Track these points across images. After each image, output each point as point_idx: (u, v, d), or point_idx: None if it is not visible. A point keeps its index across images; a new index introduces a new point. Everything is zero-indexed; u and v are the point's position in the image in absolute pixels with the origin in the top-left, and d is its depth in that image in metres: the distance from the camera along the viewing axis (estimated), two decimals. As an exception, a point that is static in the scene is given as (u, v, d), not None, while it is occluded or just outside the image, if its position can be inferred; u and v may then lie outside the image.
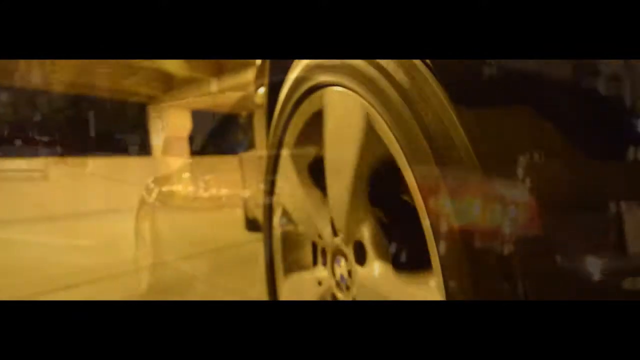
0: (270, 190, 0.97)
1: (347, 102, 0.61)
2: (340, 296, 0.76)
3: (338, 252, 0.74)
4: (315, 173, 0.83)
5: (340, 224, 0.71)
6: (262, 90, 1.37)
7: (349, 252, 0.71)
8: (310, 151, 0.85)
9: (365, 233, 0.66)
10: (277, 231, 0.97)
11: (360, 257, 0.68)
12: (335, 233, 0.74)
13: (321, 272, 0.86)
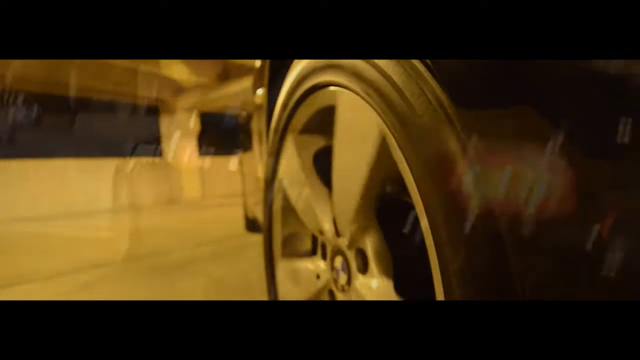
0: (271, 185, 0.96)
1: (362, 111, 0.58)
2: (338, 294, 0.76)
3: (339, 252, 0.74)
4: (320, 168, 0.82)
5: (343, 228, 0.71)
6: (260, 91, 1.37)
7: (350, 256, 0.70)
8: (316, 142, 0.84)
9: (369, 244, 0.66)
10: (278, 212, 0.96)
11: (361, 265, 0.68)
12: (337, 233, 0.74)
13: (320, 264, 0.85)
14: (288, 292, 0.98)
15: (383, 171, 0.59)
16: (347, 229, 0.69)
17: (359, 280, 0.68)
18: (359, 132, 0.61)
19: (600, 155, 0.36)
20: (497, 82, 0.41)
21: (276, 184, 0.94)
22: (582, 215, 0.36)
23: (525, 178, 0.38)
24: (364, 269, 0.68)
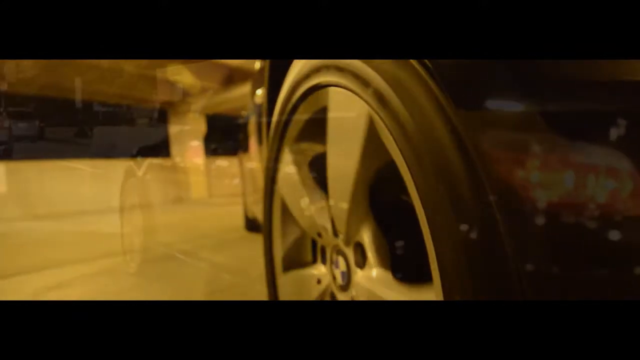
0: (271, 185, 0.96)
1: (351, 104, 0.60)
2: (339, 296, 0.76)
3: (338, 252, 0.74)
4: (317, 171, 0.83)
5: (340, 225, 0.71)
6: (259, 91, 1.37)
7: (349, 253, 0.71)
8: (312, 148, 0.85)
9: (366, 236, 0.66)
10: (278, 226, 0.96)
11: (360, 260, 0.68)
12: (335, 233, 0.74)
13: (320, 269, 0.86)
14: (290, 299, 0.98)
15: (374, 159, 0.60)
16: (343, 225, 0.69)
17: (358, 275, 0.69)
18: (348, 124, 0.63)
19: (600, 153, 0.36)
20: (498, 82, 0.41)
21: (275, 194, 0.94)
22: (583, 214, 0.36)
23: (531, 176, 0.38)
24: (362, 262, 0.68)
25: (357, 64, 0.58)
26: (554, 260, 0.37)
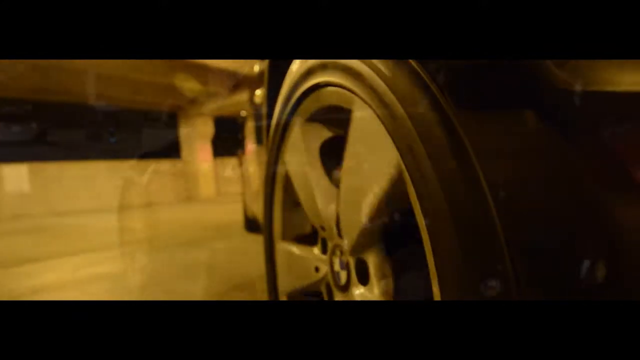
0: (271, 185, 0.96)
1: (378, 135, 0.55)
2: (337, 293, 0.76)
3: (340, 252, 0.74)
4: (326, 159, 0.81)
5: (347, 237, 0.69)
6: (259, 91, 1.37)
7: (352, 262, 0.70)
8: (323, 134, 0.83)
9: (371, 260, 0.66)
10: (280, 192, 0.94)
11: (362, 276, 0.68)
12: (340, 234, 0.73)
13: (319, 256, 0.85)
14: (286, 276, 0.97)
15: (395, 196, 0.56)
16: (350, 240, 0.68)
17: (359, 291, 0.68)
18: (376, 156, 0.57)
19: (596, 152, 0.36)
20: (498, 83, 0.41)
21: (280, 166, 0.92)
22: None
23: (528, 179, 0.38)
24: (364, 280, 0.67)
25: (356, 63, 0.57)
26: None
